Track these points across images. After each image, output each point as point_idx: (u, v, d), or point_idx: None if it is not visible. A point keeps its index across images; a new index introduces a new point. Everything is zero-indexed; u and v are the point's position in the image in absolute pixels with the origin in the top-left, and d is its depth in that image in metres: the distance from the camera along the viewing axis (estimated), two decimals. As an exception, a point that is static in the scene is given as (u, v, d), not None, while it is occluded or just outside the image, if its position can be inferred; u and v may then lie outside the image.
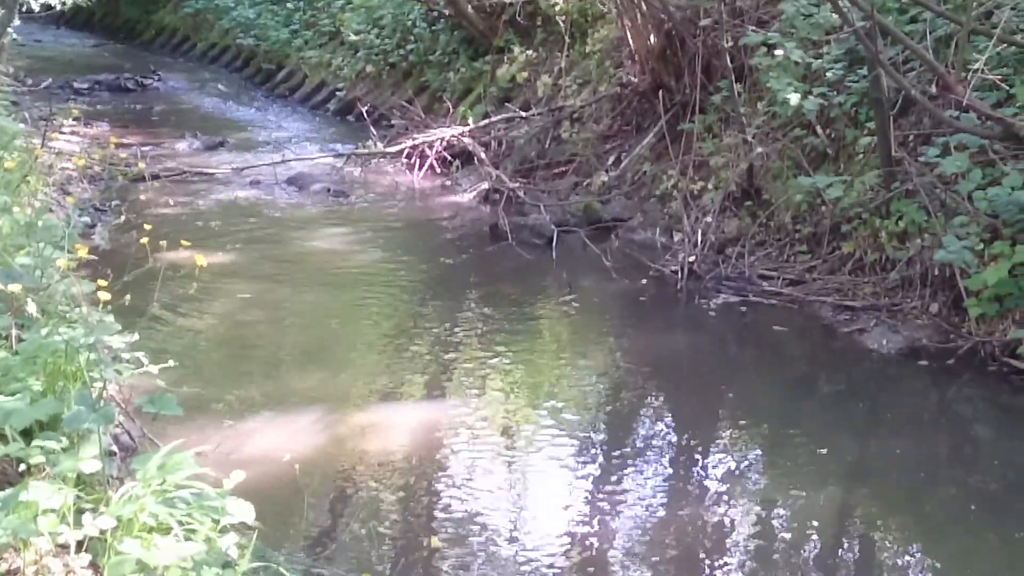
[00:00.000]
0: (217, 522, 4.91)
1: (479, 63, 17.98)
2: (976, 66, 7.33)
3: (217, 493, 5.03)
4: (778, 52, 11.67)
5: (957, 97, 6.91)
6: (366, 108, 17.85)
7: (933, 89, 9.69)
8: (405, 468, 7.72)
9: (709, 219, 12.07)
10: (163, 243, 6.95)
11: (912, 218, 10.44)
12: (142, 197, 14.09)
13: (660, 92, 13.81)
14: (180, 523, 4.81)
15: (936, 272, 10.13)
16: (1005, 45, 9.23)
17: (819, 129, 12.12)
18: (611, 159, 14.49)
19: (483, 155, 15.06)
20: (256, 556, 4.90)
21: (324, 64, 21.56)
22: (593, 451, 8.24)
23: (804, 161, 11.97)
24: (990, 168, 10.12)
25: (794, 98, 10.91)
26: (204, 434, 7.56)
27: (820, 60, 12.04)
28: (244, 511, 4.99)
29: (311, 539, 6.78)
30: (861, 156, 11.64)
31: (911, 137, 11.28)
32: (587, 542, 6.92)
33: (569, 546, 6.88)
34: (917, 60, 10.76)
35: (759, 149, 12.24)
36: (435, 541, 6.69)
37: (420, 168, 15.62)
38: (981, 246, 9.77)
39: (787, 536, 7.17)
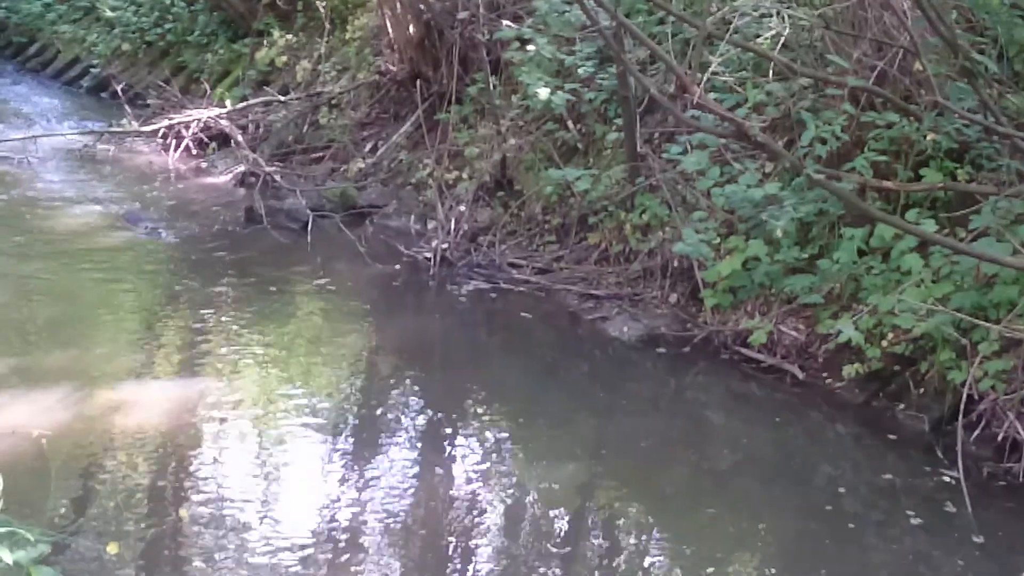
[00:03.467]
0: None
1: (238, 45, 17.88)
2: (711, 68, 7.76)
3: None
4: (531, 47, 12.03)
5: (693, 97, 7.33)
6: (121, 86, 17.55)
7: (672, 89, 10.18)
8: (155, 445, 7.81)
9: (462, 208, 12.35)
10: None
11: (654, 212, 10.90)
12: None
13: (418, 82, 14.03)
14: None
15: (676, 264, 10.60)
16: (742, 50, 9.73)
17: (570, 124, 12.52)
18: (368, 146, 14.63)
19: (240, 138, 15.03)
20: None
21: (78, 40, 21.07)
22: (343, 433, 8.47)
23: (555, 154, 12.37)
24: (728, 167, 10.68)
25: (543, 92, 11.27)
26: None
27: (572, 57, 12.43)
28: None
29: (58, 513, 6.81)
30: (609, 151, 12.09)
31: (656, 134, 11.78)
32: (335, 523, 7.13)
33: (317, 527, 7.08)
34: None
35: (512, 141, 12.59)
36: (183, 513, 6.81)
37: (176, 149, 15.49)
38: (718, 240, 10.30)
39: (531, 513, 7.54)
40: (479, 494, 7.67)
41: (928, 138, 9.19)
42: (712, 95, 9.41)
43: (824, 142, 9.29)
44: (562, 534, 7.29)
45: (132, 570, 6.28)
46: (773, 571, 7.00)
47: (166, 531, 6.69)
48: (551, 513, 7.53)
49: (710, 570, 6.85)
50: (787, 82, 9.89)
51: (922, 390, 8.86)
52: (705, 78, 7.60)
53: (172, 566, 6.51)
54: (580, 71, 12.27)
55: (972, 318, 8.18)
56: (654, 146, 11.60)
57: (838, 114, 9.30)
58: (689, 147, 10.60)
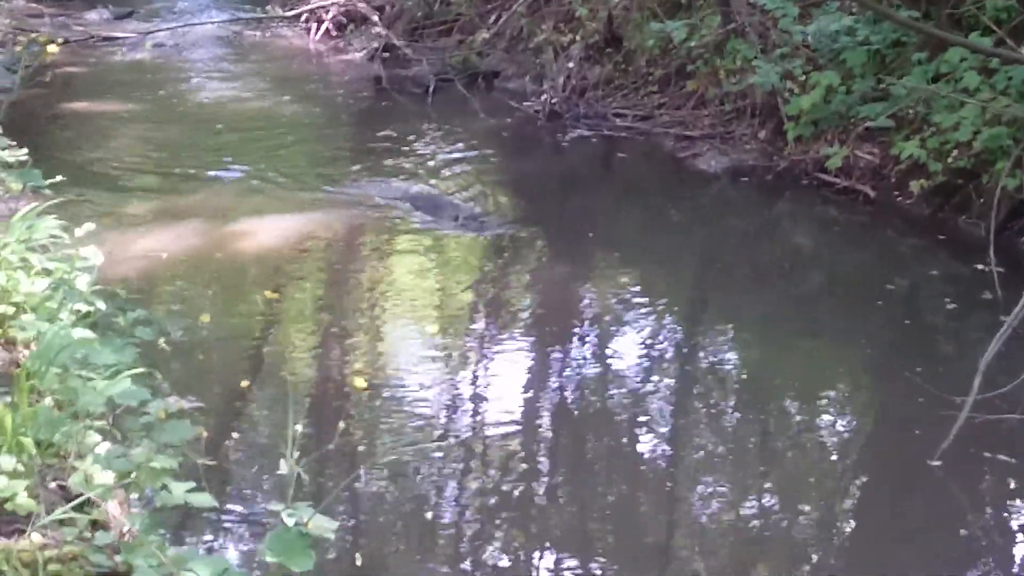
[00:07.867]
0: (73, 265, 5.96)
1: (379, -68, 18.72)
2: None
3: (72, 241, 6.09)
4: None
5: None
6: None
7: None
8: (261, 260, 8.91)
9: (571, 64, 13.06)
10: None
11: (745, 55, 11.49)
12: (53, 59, 14.88)
13: (537, -50, 14.72)
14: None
15: (763, 102, 11.20)
16: None
17: (673, -21, 13.15)
18: (492, 17, 15.39)
19: (375, 17, 15.91)
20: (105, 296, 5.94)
21: (234, -61, 22.18)
22: (455, 255, 9.51)
23: (659, 11, 12.98)
24: (814, 8, 11.28)
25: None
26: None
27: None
28: (93, 254, 6.02)
29: (170, 301, 8.00)
30: (708, 4, 12.67)
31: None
32: (451, 359, 7.71)
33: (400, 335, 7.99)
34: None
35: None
36: (270, 295, 7.92)
37: (317, 32, 16.46)
38: (803, 77, 10.90)
39: (647, 338, 8.22)
40: (595, 326, 8.42)
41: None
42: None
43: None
44: (668, 360, 7.92)
45: (223, 331, 7.43)
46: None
47: (253, 309, 7.80)
48: (656, 338, 8.21)
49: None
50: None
51: (982, 200, 9.39)
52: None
53: (253, 334, 7.68)
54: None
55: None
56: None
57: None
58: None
